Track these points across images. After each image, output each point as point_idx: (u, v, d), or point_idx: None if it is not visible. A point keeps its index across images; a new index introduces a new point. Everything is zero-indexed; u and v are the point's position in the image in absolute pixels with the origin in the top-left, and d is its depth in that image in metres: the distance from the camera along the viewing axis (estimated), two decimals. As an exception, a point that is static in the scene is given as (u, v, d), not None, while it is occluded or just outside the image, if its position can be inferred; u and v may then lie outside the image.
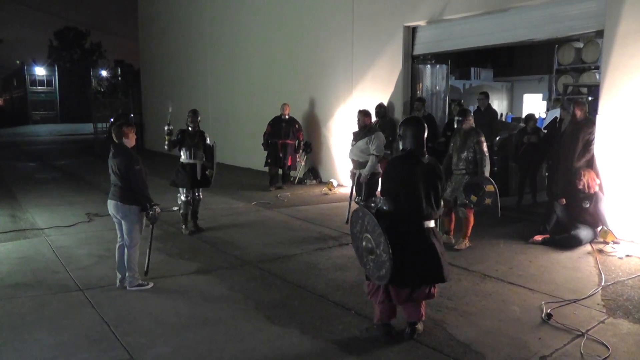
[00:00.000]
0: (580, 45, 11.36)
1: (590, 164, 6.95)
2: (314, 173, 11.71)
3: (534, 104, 23.17)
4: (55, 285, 5.18)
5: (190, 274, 5.58)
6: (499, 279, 5.29)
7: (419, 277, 3.83)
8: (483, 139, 6.27)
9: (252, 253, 6.29)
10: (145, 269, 5.21)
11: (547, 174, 9.31)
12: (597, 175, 6.72)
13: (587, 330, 4.06)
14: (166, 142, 7.03)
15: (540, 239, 6.55)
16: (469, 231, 6.40)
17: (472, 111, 8.26)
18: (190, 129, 7.18)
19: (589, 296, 4.80)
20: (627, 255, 5.98)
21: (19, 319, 4.37)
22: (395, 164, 4.02)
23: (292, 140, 10.88)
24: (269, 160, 10.86)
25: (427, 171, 3.88)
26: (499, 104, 24.00)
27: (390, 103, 10.01)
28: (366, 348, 3.82)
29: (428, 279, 3.88)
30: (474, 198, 6.08)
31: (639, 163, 6.48)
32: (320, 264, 5.84)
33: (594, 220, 6.53)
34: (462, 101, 16.17)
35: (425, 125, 4.03)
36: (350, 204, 7.52)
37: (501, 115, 18.69)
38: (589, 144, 7.01)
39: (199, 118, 7.29)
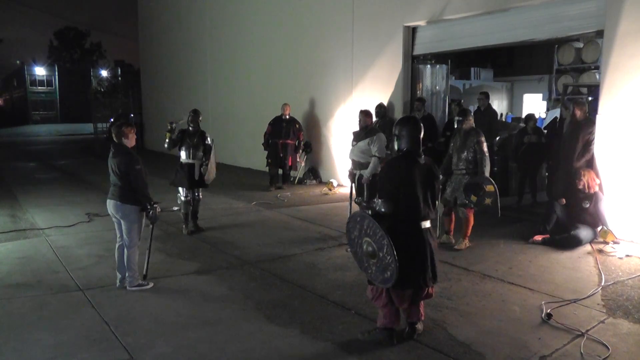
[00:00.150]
0: (580, 45, 11.38)
1: (590, 164, 6.94)
2: (314, 173, 11.71)
3: (534, 104, 23.13)
4: (55, 285, 5.17)
5: (190, 274, 5.58)
6: (499, 279, 5.30)
7: (420, 278, 3.82)
8: (483, 139, 6.27)
9: (252, 253, 6.29)
10: (144, 272, 5.20)
11: (547, 174, 9.31)
12: (597, 175, 6.72)
13: (587, 330, 4.06)
14: (166, 140, 7.04)
15: (540, 239, 6.55)
16: (469, 231, 6.40)
17: (472, 111, 8.26)
18: (190, 128, 7.18)
19: (589, 296, 4.80)
20: (627, 255, 5.98)
21: (19, 319, 4.37)
22: (394, 165, 4.00)
23: (292, 140, 10.89)
24: (269, 160, 10.87)
25: (424, 171, 3.89)
26: (499, 104, 23.95)
27: (390, 103, 10.02)
28: (366, 348, 3.82)
29: (428, 279, 3.88)
30: (474, 198, 6.08)
31: (639, 163, 6.49)
32: (320, 264, 5.84)
33: (594, 220, 6.53)
34: (462, 101, 16.13)
35: (421, 125, 4.03)
36: (350, 205, 7.52)
37: (501, 115, 18.66)
38: (588, 144, 7.00)
39: (200, 118, 7.30)
